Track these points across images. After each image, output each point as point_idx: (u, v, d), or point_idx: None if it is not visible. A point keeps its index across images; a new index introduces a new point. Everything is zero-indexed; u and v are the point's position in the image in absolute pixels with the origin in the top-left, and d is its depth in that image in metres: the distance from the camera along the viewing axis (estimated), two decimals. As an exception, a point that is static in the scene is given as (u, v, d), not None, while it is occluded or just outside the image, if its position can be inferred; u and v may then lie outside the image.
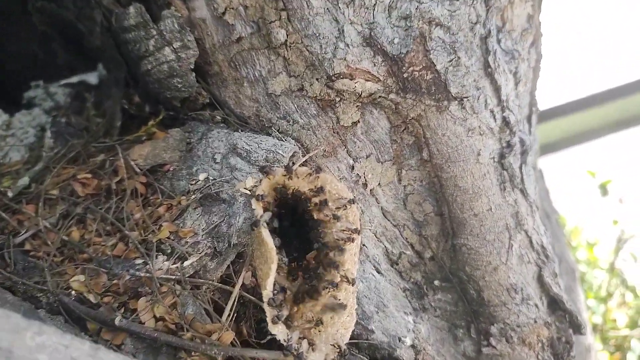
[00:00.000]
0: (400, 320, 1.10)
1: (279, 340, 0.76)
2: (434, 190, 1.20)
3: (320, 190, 0.87)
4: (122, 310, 0.84)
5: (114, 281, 0.88)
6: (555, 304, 1.24)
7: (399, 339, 1.06)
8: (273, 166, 0.89)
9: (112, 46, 1.23)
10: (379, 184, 1.17)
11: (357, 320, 1.04)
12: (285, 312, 0.79)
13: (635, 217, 3.49)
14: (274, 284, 0.81)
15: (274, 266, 0.77)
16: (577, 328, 1.25)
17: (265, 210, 0.83)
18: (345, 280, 0.82)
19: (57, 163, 1.11)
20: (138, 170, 1.05)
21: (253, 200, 0.81)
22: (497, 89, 1.12)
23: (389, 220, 1.20)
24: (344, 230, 0.86)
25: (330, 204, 0.86)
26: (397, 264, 1.21)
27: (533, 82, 1.32)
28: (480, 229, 1.17)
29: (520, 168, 1.21)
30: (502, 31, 1.15)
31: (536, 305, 1.20)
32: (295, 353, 0.75)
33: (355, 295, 0.85)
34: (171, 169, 1.06)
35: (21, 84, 1.47)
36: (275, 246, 0.79)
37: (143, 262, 0.91)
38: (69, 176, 1.07)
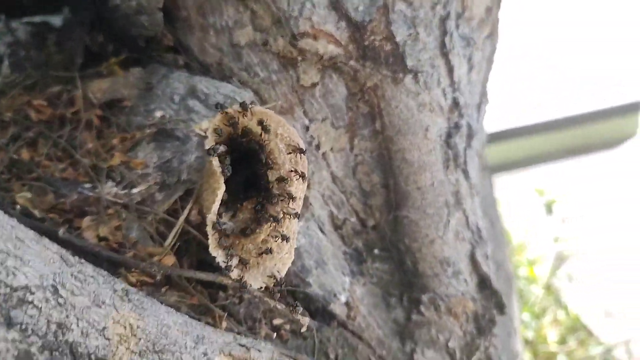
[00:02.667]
0: (338, 278, 1.18)
1: (219, 263, 0.82)
2: (382, 162, 1.29)
3: (268, 129, 0.92)
4: (67, 226, 0.88)
5: (61, 200, 0.91)
6: (483, 283, 1.35)
7: (334, 295, 1.14)
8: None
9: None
10: (332, 148, 1.25)
11: (295, 273, 1.12)
12: (226, 240, 0.85)
13: (576, 237, 3.75)
14: (219, 214, 0.87)
15: (221, 192, 0.83)
16: (501, 308, 1.36)
17: (218, 143, 0.89)
18: (290, 215, 0.89)
19: (12, 89, 1.13)
20: (95, 101, 1.09)
21: (208, 133, 0.87)
22: (450, 70, 1.23)
23: (337, 185, 1.28)
24: (292, 171, 0.93)
25: (280, 145, 0.93)
26: (341, 229, 1.29)
27: (485, 73, 1.45)
28: (422, 202, 1.27)
29: (465, 150, 1.32)
30: (461, 17, 1.26)
31: (465, 281, 1.31)
32: (233, 276, 0.81)
33: (296, 233, 0.92)
34: (129, 104, 1.10)
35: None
36: (225, 177, 0.85)
37: (92, 185, 0.94)
38: (24, 102, 1.10)
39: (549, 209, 3.89)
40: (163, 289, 0.86)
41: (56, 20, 1.56)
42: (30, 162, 0.99)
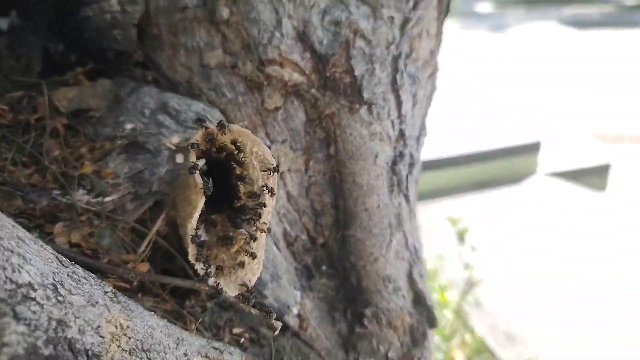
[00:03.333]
0: (290, 292, 1.25)
1: (197, 271, 0.87)
2: (333, 184, 1.39)
3: (241, 148, 0.99)
4: (38, 231, 0.88)
5: (30, 205, 0.91)
6: (418, 299, 1.48)
7: (288, 307, 1.21)
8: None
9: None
10: (289, 169, 1.34)
11: (253, 286, 1.18)
12: (206, 251, 0.90)
13: (484, 264, 4.07)
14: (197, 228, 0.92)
15: (201, 204, 0.89)
16: (432, 322, 1.50)
17: (198, 158, 0.94)
18: (261, 230, 0.95)
19: (-33, 91, 1.10)
20: (62, 110, 1.09)
21: (190, 149, 0.92)
22: (399, 104, 1.37)
23: (291, 204, 1.36)
24: (263, 187, 1.00)
25: (254, 162, 1.00)
26: (293, 246, 1.36)
27: (426, 109, 1.61)
28: (369, 222, 1.38)
29: (407, 177, 1.45)
30: (410, 57, 1.41)
31: (404, 296, 1.43)
32: (209, 283, 0.86)
33: (264, 248, 0.99)
34: (96, 115, 1.12)
35: None
36: (207, 194, 0.90)
37: (62, 192, 0.95)
38: (-19, 104, 1.08)
39: (460, 237, 4.17)
40: (139, 295, 0.88)
41: (3, 24, 1.52)
42: (-6, 166, 0.98)
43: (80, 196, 0.96)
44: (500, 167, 5.65)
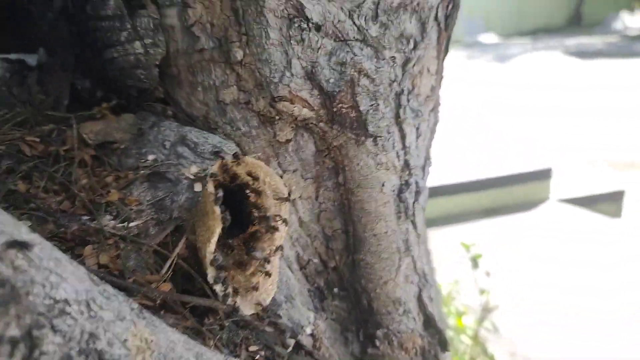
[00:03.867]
0: (304, 312, 1.30)
1: (216, 292, 0.93)
2: (343, 211, 1.45)
3: (257, 178, 1.06)
4: (69, 253, 0.95)
5: (62, 229, 0.98)
6: (428, 322, 1.52)
7: (301, 327, 1.25)
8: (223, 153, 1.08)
9: (65, 32, 1.37)
10: (300, 196, 1.40)
11: (269, 305, 1.23)
12: (224, 273, 0.96)
13: (499, 289, 4.05)
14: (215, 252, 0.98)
15: (219, 229, 0.95)
16: (444, 345, 1.53)
17: (216, 186, 1.01)
18: (274, 251, 1.01)
19: (3, 124, 1.20)
20: (89, 142, 1.18)
21: (209, 179, 0.99)
22: (403, 136, 1.44)
23: (303, 229, 1.42)
24: (276, 216, 1.07)
25: (268, 191, 1.07)
26: (305, 269, 1.42)
27: (429, 140, 1.67)
28: (377, 247, 1.44)
29: (413, 204, 1.51)
30: (412, 93, 1.49)
31: (414, 319, 1.47)
32: (229, 301, 0.92)
33: (277, 269, 1.04)
34: (121, 147, 1.20)
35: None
36: (225, 223, 0.97)
37: (90, 218, 1.03)
38: (16, 137, 1.17)
39: (474, 263, 4.17)
40: (162, 312, 0.94)
41: (31, 60, 1.63)
42: (27, 194, 1.06)
43: (107, 221, 1.03)
44: (512, 193, 5.65)
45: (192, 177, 1.15)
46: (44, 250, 0.71)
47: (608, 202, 5.60)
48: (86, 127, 1.22)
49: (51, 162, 1.15)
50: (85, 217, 1.03)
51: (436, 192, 5.20)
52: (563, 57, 11.72)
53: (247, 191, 1.04)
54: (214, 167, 1.02)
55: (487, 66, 11.25)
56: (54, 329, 0.66)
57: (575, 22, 17.18)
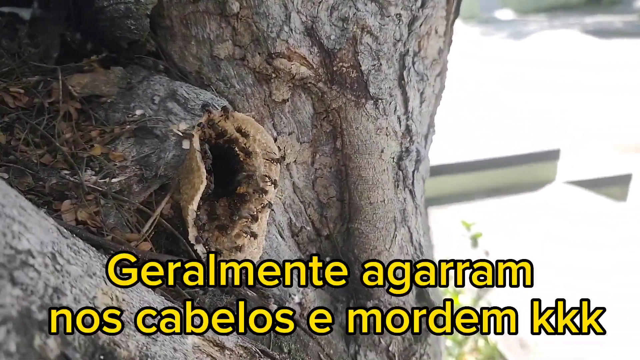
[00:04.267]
0: (293, 280, 1.26)
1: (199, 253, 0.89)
2: (339, 178, 1.40)
3: (246, 135, 1.01)
4: (46, 208, 0.91)
5: (40, 183, 0.94)
6: (421, 295, 1.48)
7: (289, 295, 1.22)
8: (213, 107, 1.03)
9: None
10: (295, 161, 1.35)
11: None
12: (206, 234, 0.92)
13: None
14: (198, 210, 0.93)
15: (203, 186, 0.90)
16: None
17: (202, 141, 0.96)
18: (262, 208, 0.97)
19: (-13, 74, 1.14)
20: (75, 94, 1.13)
21: (195, 131, 0.94)
22: (406, 100, 1.37)
23: (297, 195, 1.37)
24: (265, 176, 1.02)
25: (257, 149, 1.01)
26: (297, 236, 1.37)
27: (434, 107, 1.61)
28: (373, 216, 1.38)
29: (413, 173, 1.45)
30: (417, 55, 1.42)
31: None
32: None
33: (265, 231, 1.00)
34: (108, 101, 1.15)
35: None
36: (206, 171, 0.92)
37: (71, 172, 0.98)
38: (1, 88, 1.11)
39: (474, 241, 4.13)
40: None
41: (24, 13, 1.57)
42: (8, 146, 1.01)
43: (89, 177, 0.98)
44: (518, 173, 5.57)
45: (180, 133, 1.10)
46: (7, 197, 0.66)
47: (615, 186, 5.51)
48: (73, 80, 1.16)
49: (34, 114, 1.10)
50: (66, 172, 0.98)
51: (441, 170, 5.13)
52: (581, 35, 11.42)
53: (235, 149, 0.99)
54: (202, 119, 0.97)
55: (502, 43, 10.99)
56: (13, 281, 0.62)
57: (595, 0, 16.73)
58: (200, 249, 0.88)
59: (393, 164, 1.39)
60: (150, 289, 0.82)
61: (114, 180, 0.99)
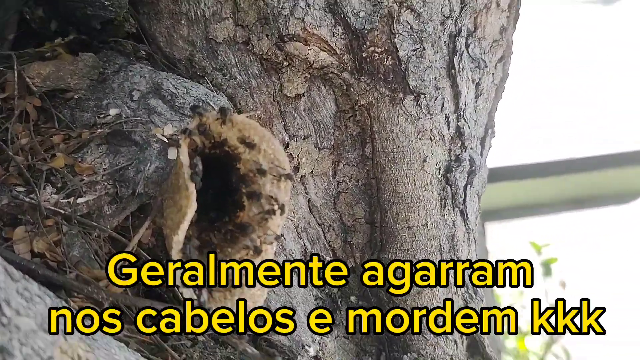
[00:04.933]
0: (307, 327, 1.25)
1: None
2: (369, 193, 1.39)
3: (252, 145, 1.00)
4: (-6, 236, 0.92)
5: (-13, 203, 0.95)
6: (475, 347, 1.45)
7: (302, 346, 1.21)
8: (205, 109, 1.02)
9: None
10: (312, 172, 1.34)
11: (259, 316, 1.19)
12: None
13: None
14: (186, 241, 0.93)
15: (191, 211, 0.90)
16: (495, 378, 1.46)
17: (192, 152, 0.96)
18: (267, 244, 0.96)
19: None
20: (34, 88, 1.14)
21: (181, 140, 0.94)
22: (457, 94, 1.35)
23: (314, 216, 1.36)
24: (271, 197, 1.01)
25: (263, 164, 1.01)
26: (313, 269, 1.37)
27: (494, 103, 1.58)
28: (412, 244, 1.37)
29: (465, 188, 1.43)
30: (473, 36, 1.39)
31: (455, 342, 1.40)
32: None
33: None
34: (76, 96, 1.16)
35: None
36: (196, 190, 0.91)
37: (26, 190, 0.99)
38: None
39: (547, 269, 4.07)
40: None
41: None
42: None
43: (48, 195, 0.99)
44: (604, 179, 5.47)
45: (165, 140, 1.10)
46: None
47: None
48: (32, 69, 1.17)
49: (-18, 116, 1.11)
50: (20, 189, 0.99)
51: (501, 174, 5.06)
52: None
53: (234, 162, 0.99)
54: (190, 125, 0.96)
55: (587, 9, 10.84)
56: (-53, 340, 0.62)
57: None
58: (187, 293, 0.88)
59: (439, 177, 1.37)
60: (123, 345, 0.82)
61: (80, 200, 1.00)
